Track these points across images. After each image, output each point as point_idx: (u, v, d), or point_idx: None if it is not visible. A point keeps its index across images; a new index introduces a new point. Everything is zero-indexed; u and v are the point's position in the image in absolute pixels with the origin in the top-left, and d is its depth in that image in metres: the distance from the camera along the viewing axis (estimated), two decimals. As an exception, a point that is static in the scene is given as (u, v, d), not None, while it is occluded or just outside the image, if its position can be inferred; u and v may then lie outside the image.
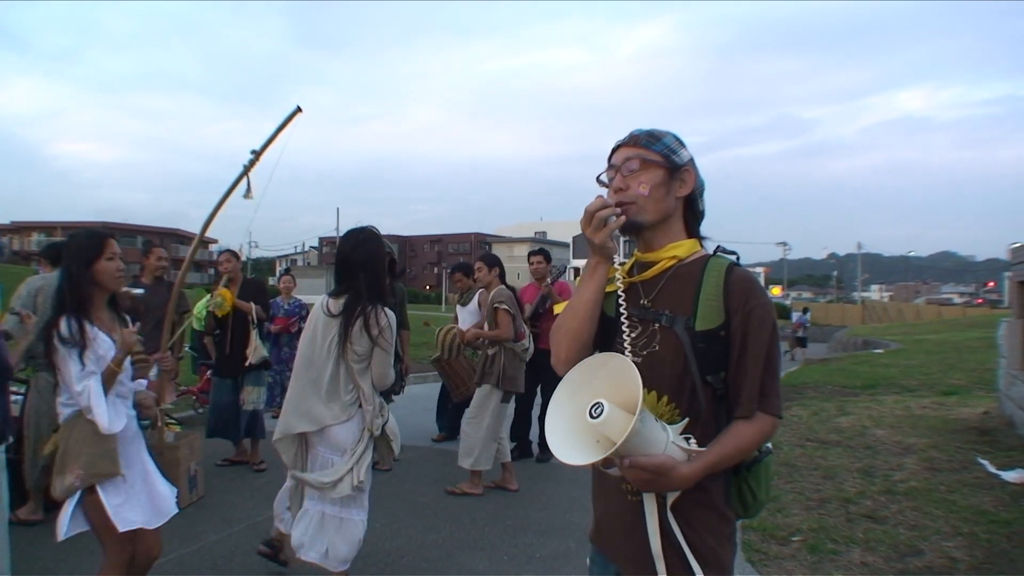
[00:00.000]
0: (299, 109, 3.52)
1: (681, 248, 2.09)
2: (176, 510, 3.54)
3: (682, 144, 2.11)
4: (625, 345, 2.03)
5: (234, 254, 7.23)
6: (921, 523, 5.18)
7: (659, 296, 2.07)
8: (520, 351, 6.59)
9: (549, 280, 7.57)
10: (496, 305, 6.42)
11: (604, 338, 2.13)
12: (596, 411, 1.74)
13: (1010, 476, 6.11)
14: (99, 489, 3.18)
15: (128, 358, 3.33)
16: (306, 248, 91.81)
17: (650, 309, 2.06)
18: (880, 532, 5.03)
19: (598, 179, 2.15)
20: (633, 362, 2.00)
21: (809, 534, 5.00)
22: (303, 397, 3.98)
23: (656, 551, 1.92)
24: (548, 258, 7.81)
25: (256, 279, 8.18)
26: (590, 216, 1.97)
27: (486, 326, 6.60)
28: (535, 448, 7.74)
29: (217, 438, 6.98)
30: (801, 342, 27.06)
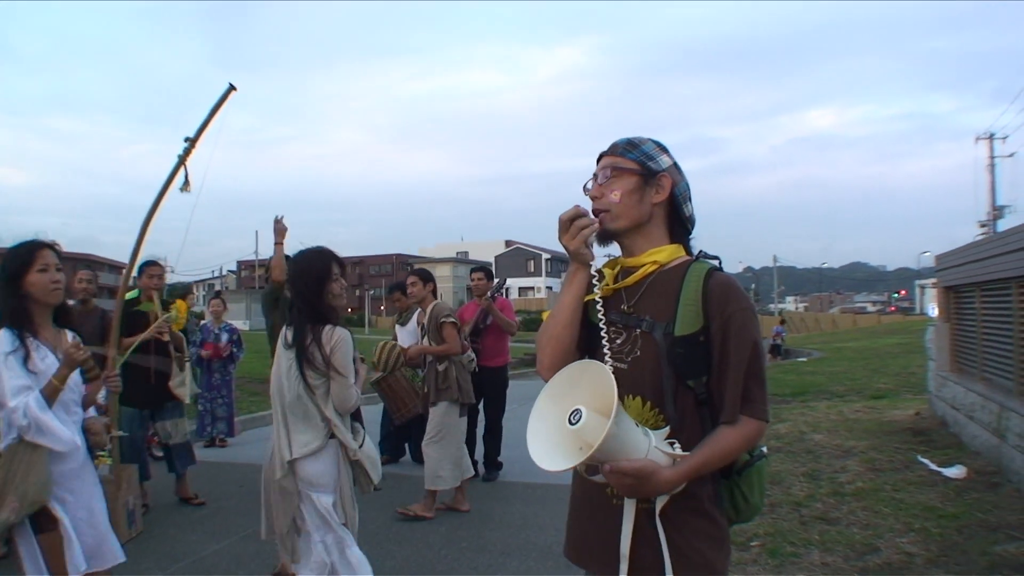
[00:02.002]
0: (232, 87, 3.34)
1: (662, 253, 2.08)
2: (123, 558, 3.30)
3: (663, 150, 2.12)
4: (605, 351, 2.02)
5: (160, 266, 6.76)
6: (873, 522, 5.25)
7: (640, 302, 2.06)
8: (467, 362, 6.57)
9: (489, 294, 7.50)
10: (443, 320, 6.29)
11: (592, 344, 2.10)
12: (575, 418, 1.74)
13: (951, 472, 6.26)
14: (65, 529, 2.97)
15: (76, 373, 3.13)
16: (224, 272, 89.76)
17: (631, 315, 2.06)
18: (835, 533, 5.08)
19: (584, 188, 2.14)
20: (619, 368, 1.99)
21: (766, 538, 5.02)
22: (278, 434, 3.74)
23: (624, 552, 1.92)
24: (490, 276, 7.76)
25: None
26: (564, 224, 1.99)
27: (427, 342, 6.43)
28: (481, 467, 7.63)
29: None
30: (776, 350, 28.12)
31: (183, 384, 6.38)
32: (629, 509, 1.93)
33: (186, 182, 3.34)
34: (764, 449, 2.12)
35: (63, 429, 2.95)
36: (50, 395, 2.94)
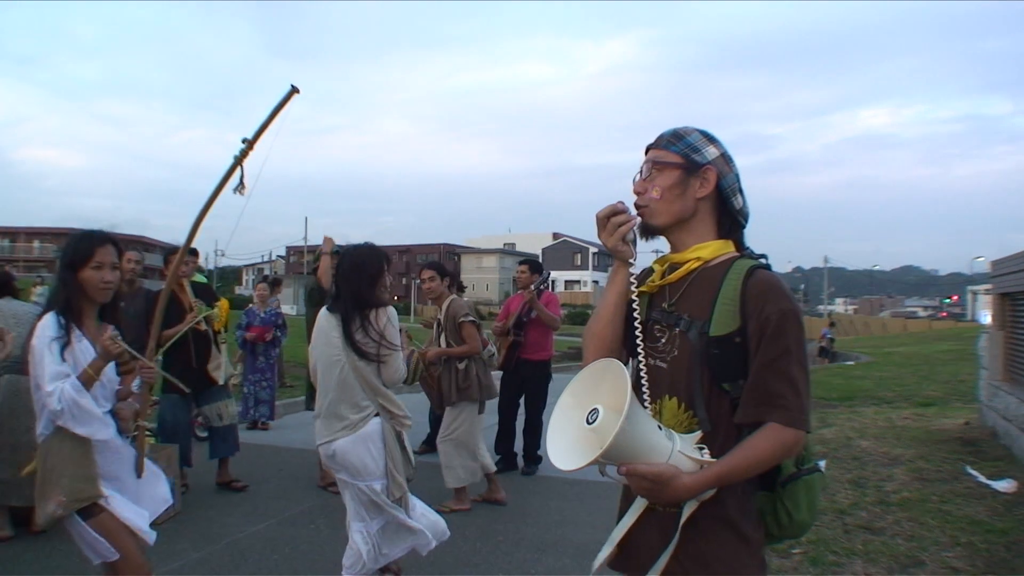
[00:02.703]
0: (295, 89, 3.28)
1: (706, 250, 2.01)
2: (172, 500, 3.42)
3: (711, 141, 2.03)
4: (639, 351, 1.99)
5: (196, 253, 6.76)
6: (918, 534, 5.13)
7: (681, 300, 2.00)
8: (487, 358, 6.48)
9: (533, 288, 7.43)
10: (461, 319, 6.16)
11: (632, 342, 2.05)
12: (592, 417, 1.70)
13: (1001, 486, 6.09)
14: (110, 505, 3.01)
15: (111, 369, 3.15)
16: (273, 257, 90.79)
17: (672, 313, 2.00)
18: (879, 543, 4.97)
19: (633, 181, 2.09)
20: (659, 368, 1.94)
21: (809, 547, 4.91)
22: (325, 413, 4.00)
23: (614, 537, 1.93)
24: (535, 268, 7.70)
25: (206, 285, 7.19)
26: (601, 221, 1.96)
27: (443, 341, 6.26)
28: (520, 461, 7.61)
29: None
30: (824, 353, 27.81)
31: (218, 367, 6.36)
32: (638, 505, 1.92)
33: (241, 184, 3.30)
34: (821, 464, 2.03)
35: (99, 412, 2.97)
36: (85, 384, 2.96)
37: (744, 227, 2.10)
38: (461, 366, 6.15)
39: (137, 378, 3.37)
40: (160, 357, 8.89)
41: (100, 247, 3.11)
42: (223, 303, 6.13)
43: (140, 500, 3.21)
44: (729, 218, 2.07)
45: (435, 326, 6.44)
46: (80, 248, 3.09)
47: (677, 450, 1.74)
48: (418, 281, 7.05)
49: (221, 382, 6.37)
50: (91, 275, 3.08)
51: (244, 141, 3.26)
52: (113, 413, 3.19)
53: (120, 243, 3.28)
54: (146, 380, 3.41)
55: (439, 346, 6.27)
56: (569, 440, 1.77)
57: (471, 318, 6.23)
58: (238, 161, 3.25)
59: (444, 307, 6.29)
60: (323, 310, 4.15)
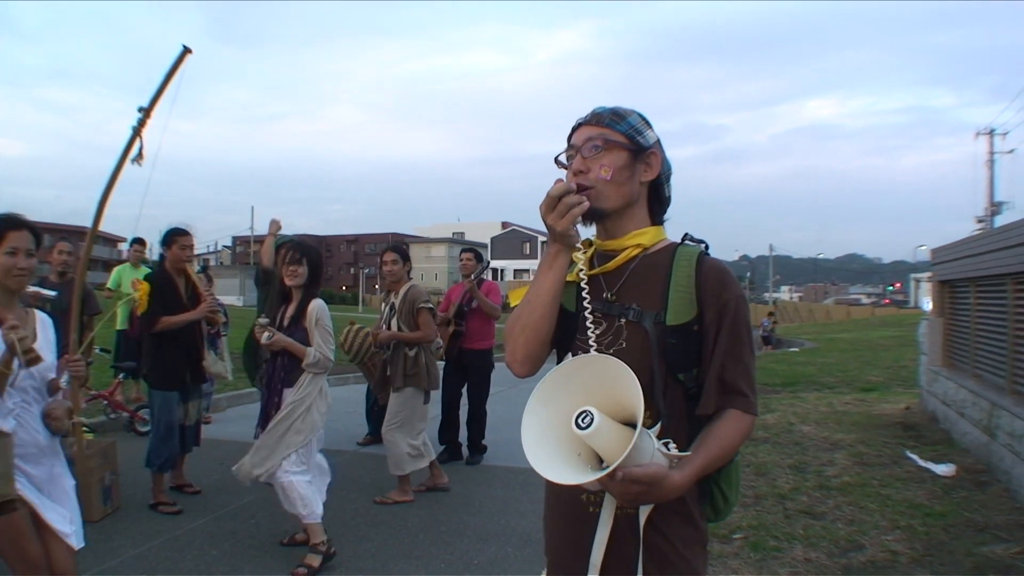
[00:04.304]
0: (187, 50, 3.15)
1: (645, 236, 1.92)
2: (82, 543, 3.13)
3: (648, 124, 1.93)
4: (591, 343, 1.84)
5: (191, 235, 6.45)
6: (859, 518, 5.17)
7: (624, 289, 1.89)
8: (434, 349, 6.45)
9: (472, 277, 7.36)
10: (421, 305, 6.06)
11: (561, 335, 1.94)
12: (584, 421, 1.54)
13: (940, 469, 6.18)
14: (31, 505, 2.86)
15: (52, 358, 2.99)
16: (219, 247, 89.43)
17: (615, 303, 1.88)
18: (819, 528, 5.00)
19: (556, 160, 1.95)
20: None
21: (750, 531, 4.93)
22: None
23: (595, 561, 1.77)
24: (479, 257, 7.64)
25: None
26: (553, 201, 1.75)
27: (396, 324, 6.12)
28: (465, 450, 7.54)
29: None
30: (768, 341, 28.25)
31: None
32: (606, 516, 1.78)
33: (139, 154, 3.16)
34: None
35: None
36: None
37: (665, 214, 2.02)
38: (411, 353, 6.05)
39: (65, 373, 3.21)
40: (99, 349, 8.70)
41: (13, 231, 2.92)
42: (143, 286, 5.58)
43: (57, 500, 3.06)
44: (659, 205, 2.00)
45: (387, 309, 6.28)
46: None
47: (656, 448, 1.64)
48: (366, 271, 6.99)
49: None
50: (4, 260, 2.88)
51: (140, 110, 3.13)
52: (43, 414, 3.02)
53: (39, 231, 3.09)
54: (74, 375, 3.26)
55: (389, 329, 6.16)
56: (546, 445, 1.63)
57: (429, 305, 6.14)
58: (136, 131, 3.13)
59: (402, 292, 6.15)
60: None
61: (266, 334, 4.70)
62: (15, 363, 2.73)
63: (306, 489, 4.64)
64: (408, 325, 6.07)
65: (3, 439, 2.81)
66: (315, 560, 4.49)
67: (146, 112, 3.13)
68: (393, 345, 6.10)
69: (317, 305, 4.79)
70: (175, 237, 5.69)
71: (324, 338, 4.75)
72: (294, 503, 4.59)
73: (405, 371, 6.03)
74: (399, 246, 6.63)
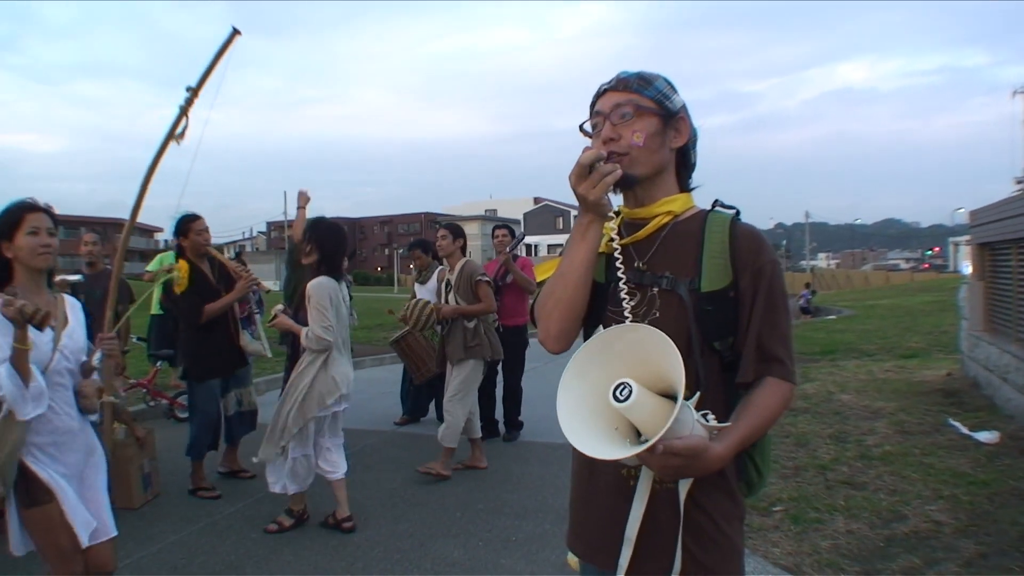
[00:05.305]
0: (236, 31, 3.14)
1: (676, 203, 1.86)
2: (114, 533, 3.14)
3: (674, 89, 1.87)
4: (625, 314, 1.77)
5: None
6: (901, 488, 5.09)
7: (655, 257, 1.84)
8: (491, 321, 6.53)
9: (509, 250, 7.34)
10: (479, 278, 6.21)
11: (590, 308, 1.88)
12: (622, 393, 1.50)
13: (983, 437, 6.07)
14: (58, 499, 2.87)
15: (83, 339, 3.00)
16: (254, 233, 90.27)
17: (647, 272, 1.83)
18: (861, 499, 4.93)
19: (581, 128, 1.89)
20: None
21: (790, 504, 4.88)
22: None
23: (631, 535, 1.73)
24: (513, 233, 7.63)
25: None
26: (584, 169, 1.70)
27: (453, 299, 6.26)
28: (501, 427, 7.56)
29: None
30: (805, 312, 28.10)
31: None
32: (643, 490, 1.73)
33: (181, 133, 3.17)
34: None
35: (33, 389, 2.79)
36: (17, 360, 2.71)
37: (690, 180, 1.97)
38: (471, 325, 6.17)
39: (99, 352, 3.23)
40: (136, 338, 8.82)
41: (29, 213, 2.96)
42: (182, 264, 5.52)
43: (87, 495, 3.06)
44: (686, 172, 1.95)
45: (444, 285, 6.46)
46: (8, 217, 2.94)
47: (695, 419, 1.59)
48: (400, 251, 7.11)
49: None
50: (28, 241, 2.92)
51: (188, 89, 3.14)
52: (75, 391, 3.04)
53: (54, 214, 3.10)
54: (108, 353, 3.27)
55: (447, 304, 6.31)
56: (588, 423, 1.58)
57: (487, 278, 6.31)
58: (184, 110, 3.13)
59: (458, 267, 6.33)
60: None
61: (272, 314, 4.96)
62: (39, 338, 2.77)
63: (300, 466, 4.93)
64: (466, 299, 6.21)
65: (12, 426, 2.76)
66: (287, 521, 4.98)
67: (194, 92, 3.15)
68: (451, 320, 6.22)
69: (313, 284, 4.78)
70: (189, 224, 5.62)
71: (315, 317, 4.73)
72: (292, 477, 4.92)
73: (466, 343, 6.14)
74: (453, 224, 6.81)
